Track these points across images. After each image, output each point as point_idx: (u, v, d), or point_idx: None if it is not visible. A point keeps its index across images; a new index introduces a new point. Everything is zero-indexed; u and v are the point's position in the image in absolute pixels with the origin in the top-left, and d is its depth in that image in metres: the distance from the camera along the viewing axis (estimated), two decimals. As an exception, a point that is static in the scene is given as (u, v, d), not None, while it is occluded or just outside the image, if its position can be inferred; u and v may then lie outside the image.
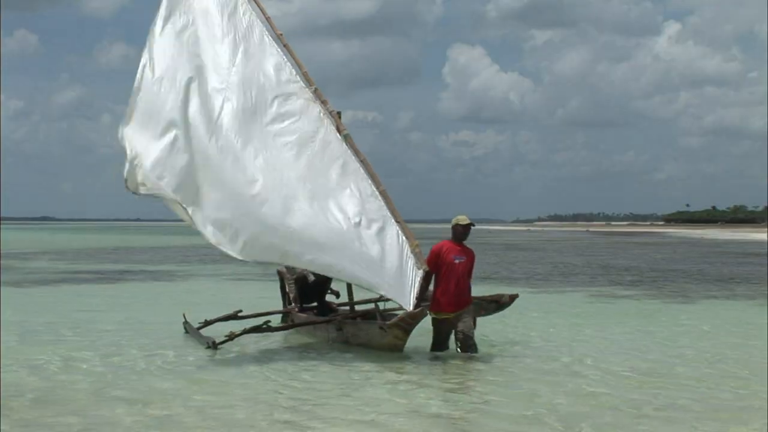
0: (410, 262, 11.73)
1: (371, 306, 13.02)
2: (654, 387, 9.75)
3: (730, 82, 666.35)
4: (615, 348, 12.83)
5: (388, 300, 12.49)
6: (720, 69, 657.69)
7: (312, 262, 12.00)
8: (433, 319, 11.72)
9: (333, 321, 12.85)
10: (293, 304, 14.06)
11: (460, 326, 11.53)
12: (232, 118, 12.47)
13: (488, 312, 13.29)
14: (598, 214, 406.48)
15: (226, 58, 13.01)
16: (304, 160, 12.41)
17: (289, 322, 13.79)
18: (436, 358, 11.46)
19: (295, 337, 13.55)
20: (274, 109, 12.73)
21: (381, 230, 11.90)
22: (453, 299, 11.55)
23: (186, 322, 13.96)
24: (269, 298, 16.36)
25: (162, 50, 13.00)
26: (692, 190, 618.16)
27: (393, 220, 12.06)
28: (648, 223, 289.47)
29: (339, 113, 13.09)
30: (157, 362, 11.29)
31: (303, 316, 13.79)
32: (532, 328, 14.68)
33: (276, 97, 12.85)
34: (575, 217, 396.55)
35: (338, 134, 12.78)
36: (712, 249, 61.81)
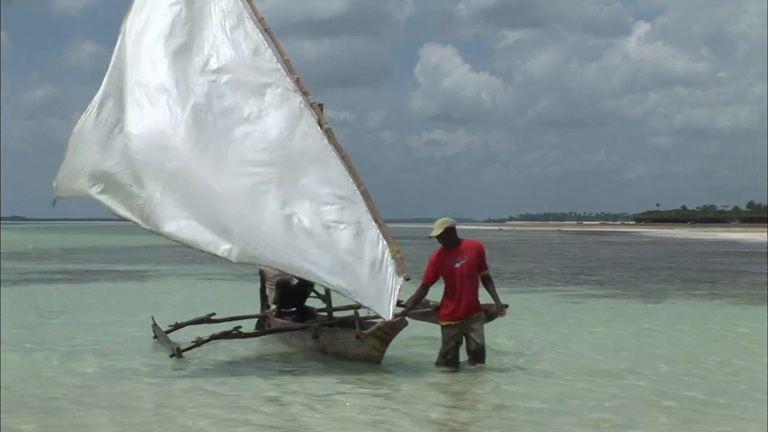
0: (390, 268, 10.97)
1: (351, 313, 12.14)
2: (626, 387, 9.77)
3: (699, 82, 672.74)
4: (588, 348, 12.83)
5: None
6: (689, 69, 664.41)
7: (284, 264, 11.05)
8: (442, 328, 10.81)
9: (309, 328, 11.99)
10: (271, 308, 13.38)
11: (473, 336, 10.62)
12: (205, 107, 11.81)
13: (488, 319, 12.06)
14: (569, 213, 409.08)
15: (208, 42, 12.38)
16: (281, 155, 11.67)
17: (265, 327, 13.08)
18: (414, 372, 10.64)
19: (270, 344, 12.83)
20: (251, 99, 11.98)
21: (360, 233, 11.14)
22: (461, 305, 10.57)
23: (155, 325, 13.10)
24: (247, 299, 15.85)
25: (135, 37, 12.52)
26: (662, 189, 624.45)
27: (373, 223, 11.30)
28: (619, 222, 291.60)
29: (321, 105, 12.26)
30: (120, 369, 10.92)
31: (280, 321, 12.95)
32: (500, 331, 14.28)
33: (255, 85, 12.11)
34: (546, 217, 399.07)
35: (319, 128, 11.98)
36: (682, 248, 62.24)
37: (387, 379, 10.32)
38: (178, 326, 12.84)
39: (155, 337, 12.98)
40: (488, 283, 10.78)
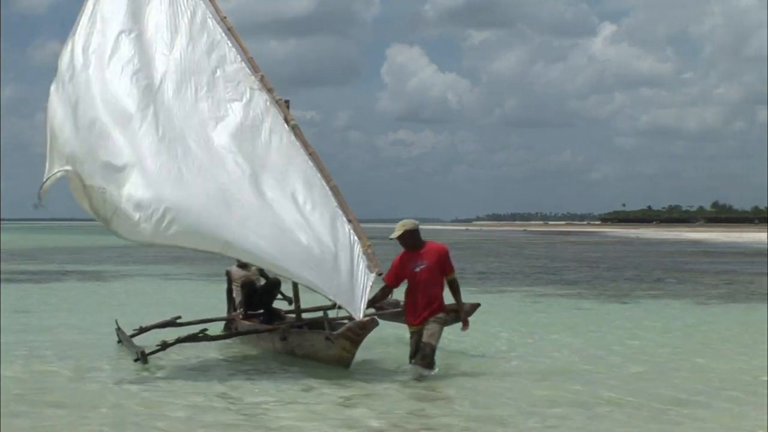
0: (362, 264, 10.79)
1: (321, 314, 11.81)
2: (589, 387, 9.79)
3: (664, 82, 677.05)
4: (552, 348, 12.84)
5: (340, 308, 11.16)
6: (654, 70, 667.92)
7: (253, 257, 10.91)
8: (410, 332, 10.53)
9: (277, 330, 11.73)
10: (239, 310, 13.07)
11: (424, 336, 10.15)
12: (172, 102, 11.57)
13: (447, 323, 11.55)
14: (536, 213, 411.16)
15: (166, 38, 12.14)
16: (248, 151, 11.43)
17: (232, 330, 12.83)
18: (383, 374, 10.45)
19: (237, 346, 12.61)
20: (217, 96, 11.81)
21: (331, 228, 10.96)
22: (419, 310, 10.21)
23: (118, 329, 12.77)
24: (217, 299, 15.06)
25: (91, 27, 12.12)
26: (628, 190, 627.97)
27: (344, 218, 11.16)
28: (585, 222, 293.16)
29: (287, 102, 12.15)
30: (81, 373, 10.63)
31: (247, 323, 12.70)
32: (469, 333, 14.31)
33: (220, 83, 11.94)
34: (513, 217, 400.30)
35: (286, 125, 11.86)
36: (648, 248, 62.68)
37: (355, 380, 10.13)
38: (142, 330, 12.43)
39: (119, 341, 12.69)
40: (453, 289, 10.48)
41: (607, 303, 20.55)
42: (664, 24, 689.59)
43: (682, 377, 10.56)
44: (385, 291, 10.61)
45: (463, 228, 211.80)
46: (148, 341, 11.84)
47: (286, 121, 11.90)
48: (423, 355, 10.12)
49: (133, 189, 10.71)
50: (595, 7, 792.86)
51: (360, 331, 10.45)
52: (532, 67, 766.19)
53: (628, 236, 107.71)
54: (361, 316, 10.48)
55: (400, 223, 10.46)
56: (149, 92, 11.60)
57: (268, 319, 12.77)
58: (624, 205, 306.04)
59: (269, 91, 12.09)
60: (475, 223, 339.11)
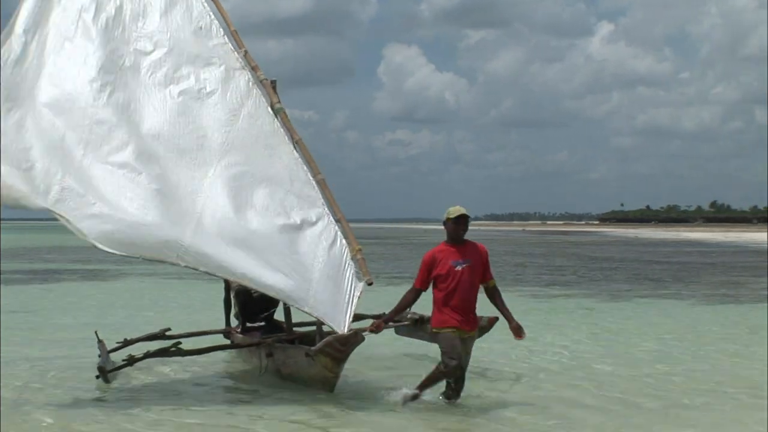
0: (349, 271, 9.29)
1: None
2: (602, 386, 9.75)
3: (662, 82, 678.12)
4: (554, 349, 12.78)
5: None
6: (651, 69, 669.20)
7: (216, 266, 9.24)
8: (441, 336, 8.52)
9: (261, 345, 10.19)
10: (237, 323, 11.49)
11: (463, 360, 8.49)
12: (132, 81, 10.02)
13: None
14: (534, 213, 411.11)
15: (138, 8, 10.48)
16: (221, 138, 9.93)
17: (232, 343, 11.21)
18: (378, 402, 8.83)
19: (222, 364, 11.31)
20: (189, 73, 10.25)
21: (314, 228, 9.48)
22: (462, 316, 8.49)
23: (99, 342, 10.84)
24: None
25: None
26: (626, 189, 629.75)
27: (331, 217, 9.61)
28: (583, 222, 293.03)
29: (274, 83, 10.61)
30: (44, 388, 9.74)
31: (238, 336, 11.16)
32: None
33: (194, 57, 10.36)
34: (511, 217, 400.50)
35: (270, 108, 10.29)
36: (647, 248, 62.63)
37: (343, 410, 8.72)
38: (127, 343, 10.80)
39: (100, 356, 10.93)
40: (497, 297, 8.79)
41: (606, 303, 20.50)
42: (661, 23, 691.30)
43: (681, 377, 10.56)
44: (415, 295, 8.71)
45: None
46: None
47: (271, 104, 10.39)
48: (461, 387, 8.72)
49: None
50: (591, 6, 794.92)
51: (341, 347, 8.87)
52: (529, 66, 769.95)
53: (627, 236, 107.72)
54: (345, 330, 8.93)
55: (453, 207, 8.68)
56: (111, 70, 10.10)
57: (270, 332, 11.08)
58: (622, 204, 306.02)
59: (253, 69, 10.53)
60: (473, 223, 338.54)
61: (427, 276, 8.55)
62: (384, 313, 9.73)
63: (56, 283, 26.36)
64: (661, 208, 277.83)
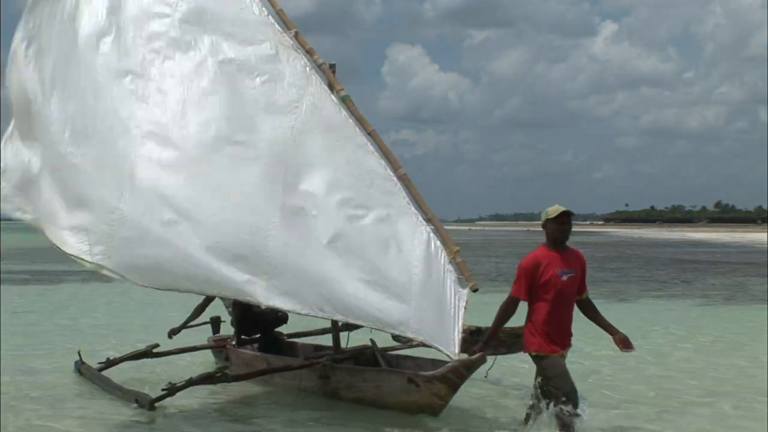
0: (449, 279, 7.71)
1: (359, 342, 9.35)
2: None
3: (666, 82, 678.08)
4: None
5: (350, 327, 8.87)
6: (656, 69, 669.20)
7: (261, 292, 7.93)
8: (548, 361, 7.24)
9: (315, 365, 8.94)
10: (233, 336, 10.58)
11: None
12: (165, 74, 8.73)
13: (510, 350, 8.81)
14: (538, 213, 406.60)
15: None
16: (285, 135, 8.27)
17: (232, 361, 10.19)
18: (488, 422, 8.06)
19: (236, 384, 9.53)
20: (234, 58, 8.58)
21: (403, 232, 7.88)
22: (565, 336, 7.40)
23: (81, 363, 10.21)
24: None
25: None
26: (630, 189, 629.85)
27: (420, 218, 7.97)
28: (587, 222, 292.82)
29: (333, 66, 8.84)
30: (44, 388, 9.53)
31: (246, 353, 10.19)
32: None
33: (238, 42, 8.66)
34: (516, 217, 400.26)
35: (332, 96, 8.46)
36: (651, 249, 62.61)
37: None
38: (110, 363, 10.04)
39: (80, 373, 10.24)
40: (593, 310, 7.70)
41: (610, 303, 20.41)
42: (665, 23, 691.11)
43: (682, 377, 10.58)
44: (516, 307, 7.39)
45: (467, 228, 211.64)
46: (118, 375, 9.81)
47: (333, 90, 8.60)
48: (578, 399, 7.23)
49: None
50: (595, 6, 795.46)
51: (465, 372, 7.69)
52: (533, 66, 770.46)
53: (631, 236, 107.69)
54: (458, 351, 7.55)
55: (553, 207, 7.44)
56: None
57: (267, 346, 10.42)
58: (627, 205, 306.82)
59: (308, 53, 8.69)
60: (478, 223, 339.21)
61: (529, 284, 7.22)
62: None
63: (82, 284, 26.16)
64: (666, 208, 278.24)
